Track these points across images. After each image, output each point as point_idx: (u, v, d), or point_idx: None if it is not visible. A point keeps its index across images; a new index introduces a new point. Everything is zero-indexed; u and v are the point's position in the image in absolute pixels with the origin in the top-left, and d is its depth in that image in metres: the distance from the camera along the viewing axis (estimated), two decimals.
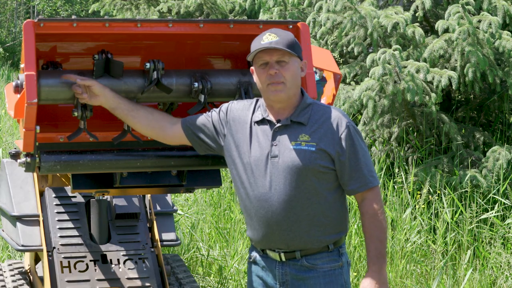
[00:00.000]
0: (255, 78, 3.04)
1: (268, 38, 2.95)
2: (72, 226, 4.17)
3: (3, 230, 4.43)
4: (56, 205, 4.24)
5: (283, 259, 3.04)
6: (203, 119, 3.14)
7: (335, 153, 2.95)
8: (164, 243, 4.38)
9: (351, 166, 2.97)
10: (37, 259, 4.44)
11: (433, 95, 6.35)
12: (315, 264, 3.02)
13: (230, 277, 5.63)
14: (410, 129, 7.13)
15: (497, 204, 6.18)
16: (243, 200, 3.07)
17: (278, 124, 3.00)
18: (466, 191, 6.19)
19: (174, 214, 4.71)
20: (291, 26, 3.28)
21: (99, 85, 3.06)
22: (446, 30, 6.50)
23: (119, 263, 4.09)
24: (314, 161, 2.94)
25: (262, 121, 3.04)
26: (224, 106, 3.15)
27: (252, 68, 3.05)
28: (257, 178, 3.00)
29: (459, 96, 7.55)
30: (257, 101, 3.11)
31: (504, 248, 5.94)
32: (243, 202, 3.08)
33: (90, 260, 4.06)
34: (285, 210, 2.97)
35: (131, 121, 3.14)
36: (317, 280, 3.01)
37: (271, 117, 3.03)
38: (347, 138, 2.96)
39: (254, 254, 3.14)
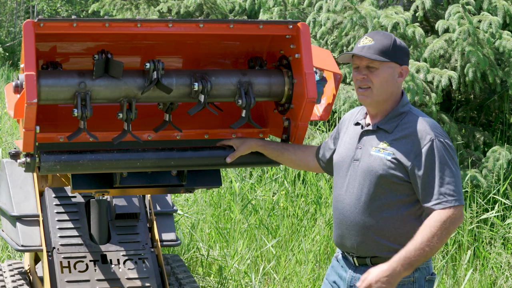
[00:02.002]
0: None
1: (364, 42, 2.96)
2: (72, 226, 4.16)
3: (3, 230, 4.43)
4: (56, 205, 4.23)
5: (356, 263, 3.03)
6: (326, 142, 3.30)
7: (411, 165, 2.88)
8: (164, 243, 4.37)
9: (428, 181, 2.86)
10: (37, 259, 4.44)
11: (433, 95, 6.34)
12: None
13: (230, 277, 5.62)
14: None
15: (497, 204, 6.18)
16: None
17: (366, 128, 3.03)
18: (466, 191, 6.18)
19: (174, 214, 4.71)
20: (291, 26, 3.28)
21: (244, 149, 3.36)
22: (446, 30, 6.49)
23: (119, 263, 4.08)
24: (387, 170, 2.90)
25: (357, 124, 3.09)
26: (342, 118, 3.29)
27: None
28: (339, 179, 3.06)
29: (459, 96, 7.55)
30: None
31: (504, 248, 5.93)
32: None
33: (90, 260, 4.06)
34: (355, 215, 2.97)
35: (279, 162, 3.41)
36: None
37: (363, 121, 3.06)
38: (428, 153, 2.86)
39: (338, 252, 3.17)
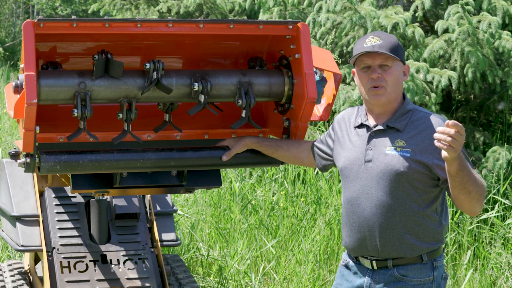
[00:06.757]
0: (357, 80, 3.04)
1: (371, 41, 2.94)
2: (72, 226, 4.16)
3: (3, 231, 4.42)
4: (56, 205, 4.23)
5: (375, 267, 3.01)
6: (322, 139, 3.28)
7: (431, 160, 2.88)
8: (164, 243, 4.37)
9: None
10: (37, 259, 4.44)
11: (433, 95, 6.35)
12: (406, 275, 2.97)
13: (230, 277, 5.62)
14: None
15: (497, 204, 6.18)
16: (342, 205, 3.08)
17: (374, 129, 3.00)
18: None
19: (174, 214, 4.71)
20: (291, 27, 3.28)
21: (239, 147, 3.34)
22: (446, 30, 6.49)
23: (119, 263, 4.08)
24: (407, 167, 2.88)
25: (360, 126, 3.05)
26: (335, 117, 3.24)
27: (353, 70, 3.05)
28: (350, 182, 3.01)
29: (459, 96, 7.55)
30: (360, 107, 3.14)
31: (504, 248, 5.94)
32: (342, 208, 3.09)
33: (90, 260, 4.05)
34: (377, 216, 2.95)
35: (274, 157, 3.41)
36: None
37: (369, 122, 3.03)
38: None
39: (348, 259, 3.13)
